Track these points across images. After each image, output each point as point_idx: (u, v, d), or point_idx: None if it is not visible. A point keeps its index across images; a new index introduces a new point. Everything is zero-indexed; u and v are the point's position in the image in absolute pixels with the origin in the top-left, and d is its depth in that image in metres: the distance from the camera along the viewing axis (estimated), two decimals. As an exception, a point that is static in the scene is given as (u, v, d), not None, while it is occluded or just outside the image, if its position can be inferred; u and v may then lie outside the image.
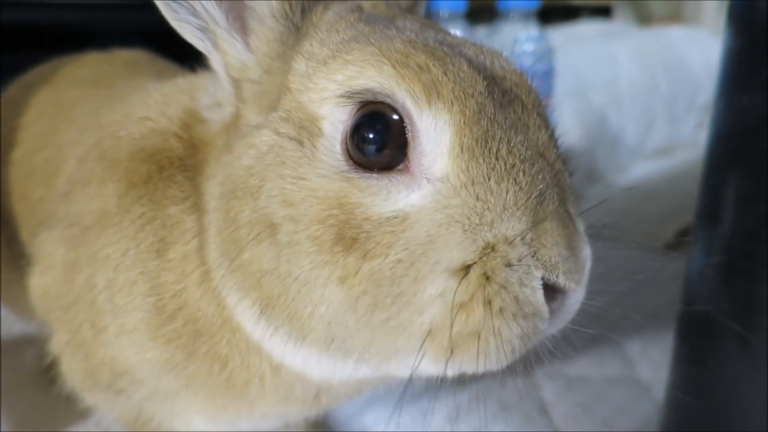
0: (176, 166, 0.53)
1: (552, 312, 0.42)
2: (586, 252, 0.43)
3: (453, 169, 0.41)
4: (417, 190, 0.41)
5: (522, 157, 0.41)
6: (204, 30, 0.48)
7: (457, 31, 1.44)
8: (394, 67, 0.41)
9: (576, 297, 0.43)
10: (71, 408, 0.64)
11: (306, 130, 0.44)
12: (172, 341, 0.51)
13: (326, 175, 0.42)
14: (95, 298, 0.53)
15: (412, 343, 0.42)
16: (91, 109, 0.65)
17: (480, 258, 0.40)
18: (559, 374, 0.92)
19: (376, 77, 0.41)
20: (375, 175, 0.41)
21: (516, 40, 1.40)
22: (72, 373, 0.60)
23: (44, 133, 0.69)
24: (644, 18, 2.78)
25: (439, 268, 0.40)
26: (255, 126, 0.47)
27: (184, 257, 0.51)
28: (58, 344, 0.59)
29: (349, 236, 0.41)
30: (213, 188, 0.49)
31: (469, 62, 0.44)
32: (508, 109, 0.43)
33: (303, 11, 0.48)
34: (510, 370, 0.48)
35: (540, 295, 0.40)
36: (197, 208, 0.51)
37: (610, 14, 2.91)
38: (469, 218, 0.40)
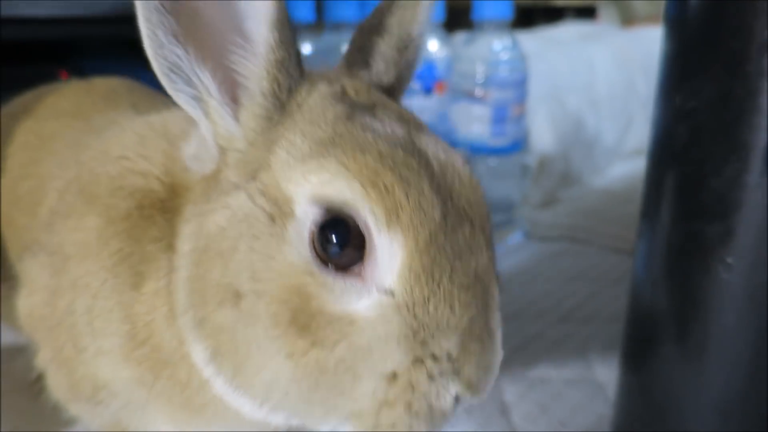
0: (157, 207, 0.56)
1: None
2: (497, 368, 0.49)
3: (399, 287, 0.45)
4: (367, 297, 0.46)
5: (460, 284, 0.46)
6: (197, 99, 0.50)
7: (435, 39, 1.49)
8: (363, 186, 0.44)
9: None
10: (60, 415, 0.70)
11: (279, 208, 0.47)
12: (143, 363, 0.56)
13: (293, 262, 0.46)
14: (76, 321, 0.58)
15: (340, 418, 0.49)
16: (70, 141, 0.70)
17: (408, 369, 0.46)
18: (522, 376, 0.97)
19: (346, 191, 0.45)
20: (333, 274, 0.46)
21: (491, 50, 1.45)
22: (57, 386, 0.65)
23: (27, 164, 0.73)
24: (628, 18, 2.81)
25: (374, 373, 0.46)
26: (234, 184, 0.50)
27: (155, 292, 0.55)
28: (43, 360, 0.65)
29: (303, 321, 0.45)
30: (188, 235, 0.53)
31: (431, 179, 0.47)
32: (458, 231, 0.47)
33: (289, 91, 0.50)
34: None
35: (451, 404, 0.47)
36: (171, 247, 0.55)
37: (594, 15, 2.94)
38: (405, 335, 0.45)
